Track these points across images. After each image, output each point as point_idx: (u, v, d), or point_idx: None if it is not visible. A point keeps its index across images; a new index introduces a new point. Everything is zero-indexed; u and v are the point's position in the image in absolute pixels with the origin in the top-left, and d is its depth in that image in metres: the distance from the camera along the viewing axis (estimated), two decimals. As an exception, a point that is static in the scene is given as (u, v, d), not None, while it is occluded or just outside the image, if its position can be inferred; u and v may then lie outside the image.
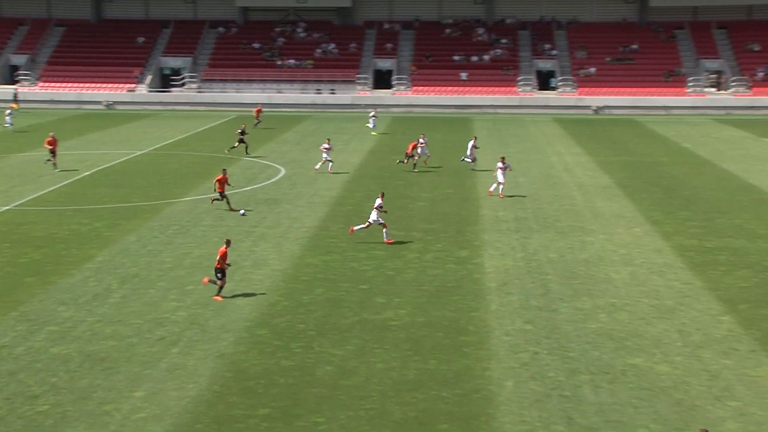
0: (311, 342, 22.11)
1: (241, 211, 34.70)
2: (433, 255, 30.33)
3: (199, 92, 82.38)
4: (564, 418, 18.01)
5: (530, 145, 57.48)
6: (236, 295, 25.67)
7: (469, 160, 47.26)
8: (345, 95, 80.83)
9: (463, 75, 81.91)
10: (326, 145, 46.60)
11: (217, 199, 36.58)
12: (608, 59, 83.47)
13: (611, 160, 51.33)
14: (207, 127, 67.51)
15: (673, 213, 36.92)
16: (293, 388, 19.39)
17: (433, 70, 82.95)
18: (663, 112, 77.48)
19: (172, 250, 30.62)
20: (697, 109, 77.55)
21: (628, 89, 79.39)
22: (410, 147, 47.36)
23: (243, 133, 53.56)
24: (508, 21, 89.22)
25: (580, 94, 79.98)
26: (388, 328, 23.18)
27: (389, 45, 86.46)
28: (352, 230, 32.21)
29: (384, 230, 31.74)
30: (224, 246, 25.56)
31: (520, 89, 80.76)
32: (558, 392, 19.24)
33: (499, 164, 39.63)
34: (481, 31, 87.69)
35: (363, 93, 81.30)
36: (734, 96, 78.76)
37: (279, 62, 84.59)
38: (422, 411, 18.37)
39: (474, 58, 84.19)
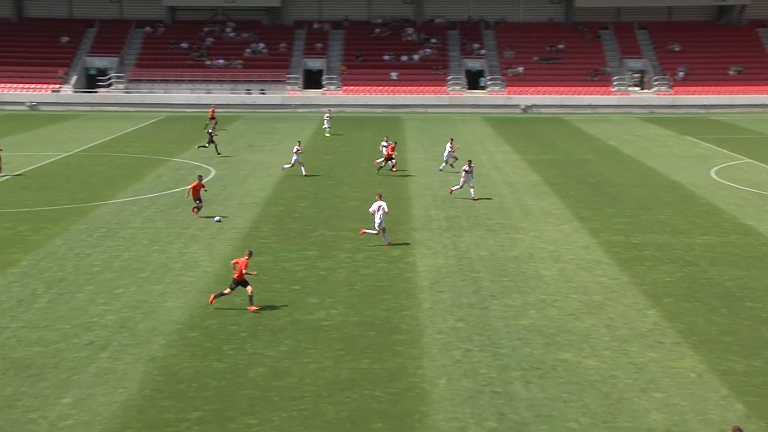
0: (243, 343, 21.96)
1: (216, 218, 34.18)
2: (365, 254, 30.35)
3: (126, 93, 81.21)
4: (496, 414, 18.19)
5: (460, 144, 57.83)
6: (167, 298, 25.35)
7: (448, 163, 46.98)
8: (275, 95, 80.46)
9: (394, 74, 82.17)
10: (297, 147, 46.03)
11: (196, 208, 35.23)
12: (536, 59, 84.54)
13: (540, 158, 51.98)
14: (135, 128, 66.55)
15: (600, 210, 37.54)
16: (226, 391, 19.23)
17: (364, 69, 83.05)
18: (589, 110, 78.77)
19: (101, 253, 30.10)
20: (622, 107, 79.05)
21: (556, 88, 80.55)
22: (388, 150, 46.63)
23: (212, 132, 53.91)
24: (437, 21, 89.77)
25: (508, 93, 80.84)
26: (320, 328, 23.13)
27: (319, 45, 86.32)
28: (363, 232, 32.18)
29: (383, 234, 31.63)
30: (246, 257, 24.58)
31: (449, 88, 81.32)
32: (490, 389, 19.42)
33: (465, 168, 39.29)
34: (410, 30, 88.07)
35: (293, 93, 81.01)
36: (657, 95, 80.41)
37: (208, 62, 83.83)
38: (355, 410, 18.38)
39: (404, 58, 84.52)
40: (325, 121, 62.76)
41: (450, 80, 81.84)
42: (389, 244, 31.31)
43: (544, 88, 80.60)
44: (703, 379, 19.91)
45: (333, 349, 21.63)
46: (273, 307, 24.67)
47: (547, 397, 19.01)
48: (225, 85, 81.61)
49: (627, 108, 79.03)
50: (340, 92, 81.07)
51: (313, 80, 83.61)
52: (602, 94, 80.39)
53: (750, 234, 33.12)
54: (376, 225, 31.36)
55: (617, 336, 22.65)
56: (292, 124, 69.27)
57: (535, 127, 68.03)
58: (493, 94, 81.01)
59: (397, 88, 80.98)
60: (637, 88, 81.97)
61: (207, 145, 53.08)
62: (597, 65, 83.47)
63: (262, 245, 31.34)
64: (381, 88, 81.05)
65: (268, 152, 53.51)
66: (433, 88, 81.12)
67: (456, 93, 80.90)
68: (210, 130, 54.05)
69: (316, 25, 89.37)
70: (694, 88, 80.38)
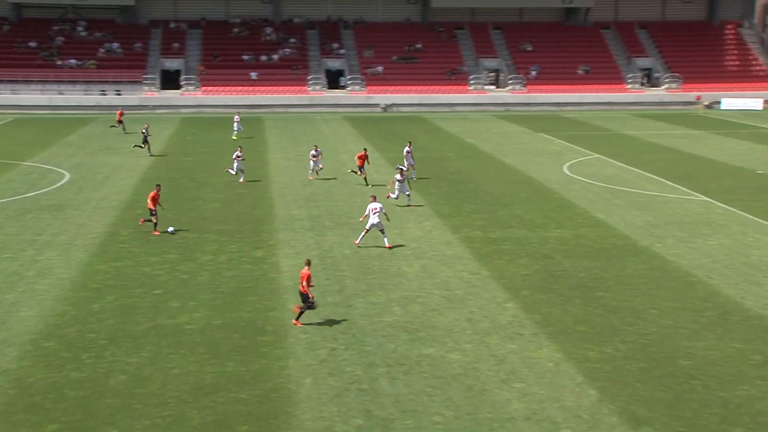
0: (103, 351, 21.35)
1: (170, 229, 32.87)
2: (228, 256, 30.01)
3: (-28, 94, 77.65)
4: (362, 412, 18.30)
5: (322, 143, 57.87)
6: (19, 308, 24.38)
7: (405, 168, 45.50)
8: (132, 96, 78.50)
9: (253, 74, 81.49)
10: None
11: (148, 220, 33.38)
12: (394, 58, 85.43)
13: (401, 156, 52.50)
14: (-17, 131, 63.69)
15: (460, 206, 38.26)
16: (85, 401, 18.65)
17: (223, 69, 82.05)
18: (447, 108, 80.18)
19: (-52, 263, 28.71)
20: (479, 105, 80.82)
21: (414, 87, 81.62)
22: (359, 158, 44.03)
23: (146, 132, 53.23)
24: (296, 21, 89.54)
25: (368, 93, 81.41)
26: (183, 332, 22.73)
27: (176, 44, 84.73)
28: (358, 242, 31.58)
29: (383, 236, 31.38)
30: (306, 267, 23.35)
31: (310, 88, 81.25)
32: (356, 386, 19.53)
33: (397, 176, 37.70)
34: (269, 30, 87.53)
35: (150, 94, 79.26)
36: (511, 93, 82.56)
37: (59, 62, 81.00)
38: (221, 414, 18.15)
39: (263, 58, 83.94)
40: (235, 124, 61.20)
41: (310, 80, 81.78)
42: (391, 247, 31.16)
43: (404, 87, 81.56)
44: (560, 368, 20.58)
45: (197, 354, 21.30)
46: (134, 313, 24.08)
47: (412, 392, 19.26)
48: (78, 86, 79.02)
49: (483, 106, 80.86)
50: (199, 92, 79.82)
51: (170, 80, 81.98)
52: (459, 92, 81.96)
53: (600, 226, 34.42)
54: (367, 226, 31.18)
55: (478, 329, 23.15)
56: (151, 125, 67.69)
57: (395, 125, 68.73)
58: (353, 94, 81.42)
59: (257, 88, 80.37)
60: (492, 87, 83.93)
61: (143, 145, 52.55)
62: (454, 64, 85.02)
63: (121, 250, 30.55)
64: (241, 88, 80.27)
65: (126, 155, 52.16)
66: (293, 87, 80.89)
67: (316, 92, 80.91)
68: (144, 130, 53.40)
69: (172, 25, 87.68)
70: (546, 87, 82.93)
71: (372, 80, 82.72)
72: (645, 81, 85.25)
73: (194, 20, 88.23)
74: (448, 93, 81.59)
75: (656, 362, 20.91)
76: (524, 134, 63.59)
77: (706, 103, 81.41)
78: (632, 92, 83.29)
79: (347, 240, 32.22)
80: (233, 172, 44.18)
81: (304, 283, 23.06)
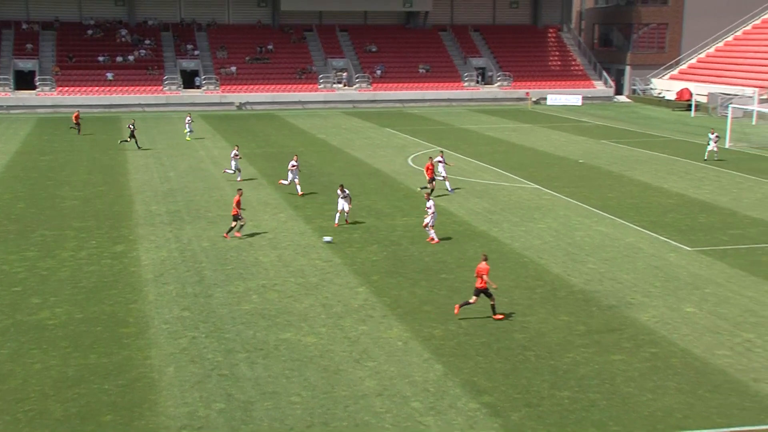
0: (-37, 350, 20.27)
1: (327, 239, 30.66)
2: (88, 252, 29.01)
3: None
4: (224, 396, 18.08)
5: (178, 141, 56.70)
6: None
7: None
8: (-15, 97, 74.57)
9: (109, 75, 78.86)
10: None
11: (239, 226, 30.98)
12: (247, 59, 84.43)
13: (255, 152, 52.06)
14: None
15: (313, 198, 38.24)
16: (-55, 400, 17.68)
17: (78, 70, 78.98)
18: (299, 106, 79.96)
19: None
20: (328, 103, 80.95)
21: (267, 86, 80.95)
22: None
23: (133, 128, 52.45)
24: (150, 22, 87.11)
25: (223, 92, 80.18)
26: (44, 327, 21.84)
27: (29, 45, 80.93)
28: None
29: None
30: (484, 262, 22.42)
31: (166, 88, 79.29)
32: (217, 372, 19.27)
33: (339, 192, 33.92)
34: (124, 32, 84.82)
35: (4, 94, 75.48)
36: (358, 91, 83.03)
37: None
38: (84, 405, 17.55)
39: (119, 59, 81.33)
40: (187, 125, 58.68)
41: (166, 80, 79.82)
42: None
43: (257, 86, 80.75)
44: (408, 346, 20.92)
45: (59, 348, 20.51)
46: (-7, 311, 22.96)
47: (271, 375, 19.16)
48: (-70, 87, 74.43)
49: (333, 103, 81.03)
50: (54, 93, 76.58)
51: (25, 81, 78.26)
52: (310, 90, 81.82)
53: (442, 213, 35.08)
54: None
55: (332, 313, 23.24)
56: (6, 126, 64.60)
57: (249, 123, 68.01)
58: (208, 93, 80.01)
59: (114, 88, 77.81)
60: (340, 85, 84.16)
61: (129, 139, 52.50)
62: (304, 64, 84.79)
63: (-21, 249, 29.05)
64: (97, 88, 77.51)
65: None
66: (149, 87, 78.74)
67: (172, 92, 79.04)
68: (131, 125, 52.92)
69: (24, 26, 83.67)
70: (390, 85, 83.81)
71: (226, 80, 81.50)
72: (480, 79, 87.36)
73: (48, 21, 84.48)
74: (299, 91, 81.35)
75: (495, 337, 21.54)
76: (371, 129, 64.12)
77: (534, 99, 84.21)
78: (468, 89, 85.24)
79: (206, 233, 31.72)
80: (231, 171, 42.54)
81: (485, 277, 22.21)
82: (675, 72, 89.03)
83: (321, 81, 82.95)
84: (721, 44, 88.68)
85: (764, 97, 69.58)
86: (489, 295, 22.56)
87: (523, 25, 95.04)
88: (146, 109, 76.41)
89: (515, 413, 17.37)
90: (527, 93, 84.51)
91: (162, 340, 21.15)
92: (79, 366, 19.49)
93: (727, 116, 57.54)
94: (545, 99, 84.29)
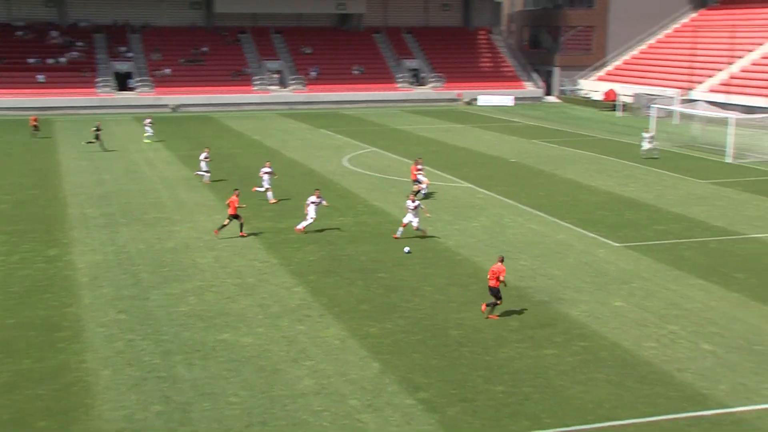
0: None
1: (406, 249, 29.43)
2: (21, 256, 28.32)
3: None
4: (161, 398, 17.83)
5: (113, 143, 55.70)
6: None
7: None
8: None
9: (40, 77, 77.08)
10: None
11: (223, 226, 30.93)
12: (181, 60, 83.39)
13: (191, 153, 51.40)
14: None
15: (247, 199, 37.89)
16: None
17: (8, 72, 77.01)
18: (234, 108, 79.24)
19: None
20: (264, 104, 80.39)
21: (202, 88, 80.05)
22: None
23: (98, 129, 51.34)
24: (82, 24, 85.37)
25: (157, 94, 79.04)
26: (-23, 333, 21.26)
27: (-41, 47, 78.77)
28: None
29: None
30: (499, 262, 22.53)
31: (99, 90, 77.86)
32: (154, 374, 18.99)
33: (313, 198, 32.90)
34: (55, 34, 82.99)
35: (-67, 97, 73.32)
36: (293, 93, 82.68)
37: None
38: (18, 411, 17.13)
39: (50, 61, 79.54)
40: (147, 128, 57.06)
41: (99, 82, 78.35)
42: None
43: (191, 88, 79.78)
44: (346, 344, 20.90)
45: (-8, 354, 19.99)
46: (-77, 318, 22.26)
47: (209, 376, 18.96)
48: None
49: (268, 105, 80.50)
50: (-16, 95, 74.59)
51: (-46, 83, 76.08)
52: (245, 92, 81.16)
53: (378, 214, 35.18)
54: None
55: (270, 313, 23.10)
56: (-66, 128, 62.79)
57: (184, 125, 67.18)
58: (142, 95, 78.78)
59: (45, 90, 76.09)
60: (276, 87, 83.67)
61: (94, 141, 52.10)
62: (239, 66, 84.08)
63: None
64: (28, 90, 75.72)
65: None
66: (82, 90, 77.18)
67: (106, 94, 77.64)
68: (96, 127, 52.25)
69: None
70: (325, 86, 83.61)
71: (160, 82, 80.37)
72: (413, 80, 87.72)
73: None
74: (234, 93, 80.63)
75: (431, 333, 21.66)
76: (306, 130, 63.89)
77: (466, 100, 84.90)
78: (402, 90, 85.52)
79: (141, 235, 31.24)
80: (202, 173, 41.89)
81: (501, 277, 22.34)
82: (601, 73, 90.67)
83: (256, 83, 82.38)
84: (644, 47, 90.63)
85: (685, 97, 71.32)
86: (495, 295, 22.58)
87: (455, 27, 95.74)
88: (79, 112, 74.89)
89: (451, 408, 17.49)
90: (459, 94, 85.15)
91: (98, 343, 20.76)
92: (11, 372, 19.02)
93: (650, 116, 58.76)
94: (477, 100, 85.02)
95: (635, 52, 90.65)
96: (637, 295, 24.72)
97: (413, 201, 30.91)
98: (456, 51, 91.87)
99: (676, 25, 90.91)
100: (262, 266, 27.61)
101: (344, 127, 65.64)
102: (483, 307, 22.88)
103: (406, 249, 29.22)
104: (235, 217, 30.92)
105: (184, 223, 33.19)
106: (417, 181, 37.95)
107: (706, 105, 58.44)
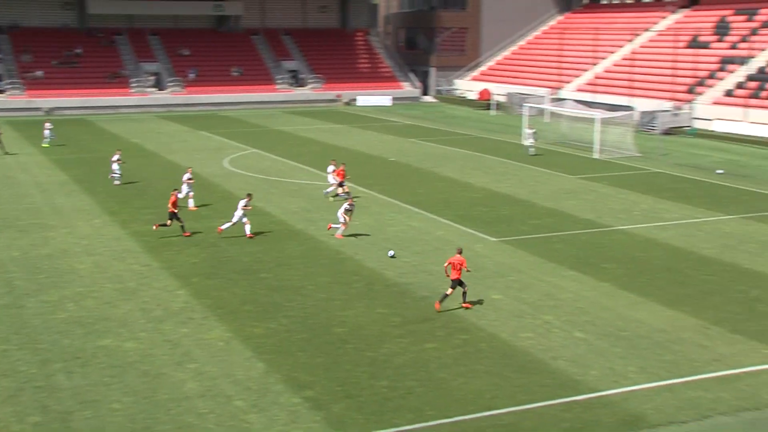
0: None
1: (390, 253, 28.19)
2: None
3: None
4: (39, 408, 17.16)
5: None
6: None
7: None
8: None
9: None
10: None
11: (162, 225, 30.70)
12: (54, 62, 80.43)
13: (67, 157, 49.72)
14: None
15: (128, 202, 37.02)
16: None
17: None
18: (111, 110, 76.99)
19: None
20: (142, 107, 78.42)
21: (77, 90, 77.39)
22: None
23: None
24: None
25: (29, 97, 75.98)
26: None
27: None
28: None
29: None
30: (459, 254, 23.06)
31: (-34, 93, 74.32)
32: (31, 384, 18.27)
33: (242, 202, 31.46)
34: None
35: None
36: (172, 95, 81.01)
37: None
38: None
39: None
40: (46, 132, 53.43)
41: (-34, 84, 74.80)
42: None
43: (66, 91, 77.01)
44: (230, 346, 20.64)
45: None
46: None
47: (90, 383, 18.38)
48: None
49: (146, 107, 78.56)
50: None
51: None
52: (122, 95, 79.01)
53: (260, 214, 34.88)
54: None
55: (152, 317, 22.58)
56: None
57: (60, 128, 64.68)
58: (12, 98, 75.56)
59: None
60: (154, 89, 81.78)
61: None
62: (115, 68, 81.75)
63: None
64: None
65: None
66: (-52, 92, 73.49)
67: (-26, 97, 74.17)
68: None
69: None
70: (204, 88, 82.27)
71: (32, 84, 77.28)
72: (292, 82, 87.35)
73: None
74: (111, 95, 78.35)
75: (315, 332, 21.63)
76: (186, 133, 62.72)
77: (345, 101, 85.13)
78: (282, 92, 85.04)
79: (16, 242, 30.00)
80: (116, 175, 40.61)
81: (465, 267, 22.92)
82: (476, 73, 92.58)
83: (133, 85, 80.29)
84: (515, 48, 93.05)
85: (554, 96, 73.61)
86: (462, 284, 23.04)
87: (333, 29, 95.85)
88: (-54, 115, 71.31)
89: (336, 405, 17.51)
90: (339, 94, 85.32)
91: (-29, 355, 19.81)
92: None
93: (523, 114, 60.41)
94: (356, 100, 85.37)
95: (507, 53, 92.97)
96: (513, 288, 25.36)
97: (351, 204, 30.95)
98: (334, 52, 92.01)
99: (544, 28, 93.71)
100: (144, 270, 26.95)
101: (224, 129, 64.76)
102: (437, 305, 23.13)
103: (390, 252, 28.72)
104: (174, 216, 30.59)
105: (61, 229, 32.06)
106: (342, 183, 37.78)
107: (573, 103, 60.49)
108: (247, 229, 30.98)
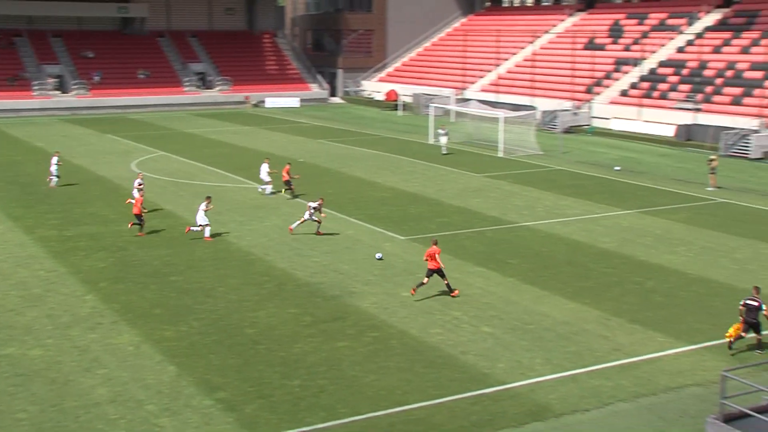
0: None
1: (378, 255, 27.59)
2: None
3: None
4: (-59, 421, 16.48)
5: None
6: None
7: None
8: None
9: None
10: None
11: (137, 224, 30.97)
12: (-49, 65, 77.30)
13: (-35, 162, 47.85)
14: None
15: (33, 208, 35.87)
16: None
17: None
18: (13, 114, 74.28)
19: None
20: (45, 110, 75.97)
21: (-25, 94, 74.55)
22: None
23: None
24: None
25: (-75, 100, 72.81)
26: None
27: None
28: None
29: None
30: (434, 246, 24.09)
31: None
32: (-68, 397, 17.51)
33: (202, 205, 30.87)
34: None
35: None
36: (76, 98, 78.78)
37: None
38: None
39: None
40: None
41: None
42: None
43: (-40, 95, 74.11)
44: (140, 350, 20.22)
45: None
46: None
47: (-6, 393, 17.74)
48: None
49: (50, 111, 76.13)
50: None
51: None
52: (24, 98, 76.35)
53: (169, 217, 34.29)
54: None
55: (59, 324, 21.95)
56: None
57: (-43, 132, 62.32)
58: None
59: None
60: (57, 92, 79.37)
61: None
62: (15, 71, 78.99)
63: None
64: None
65: None
66: None
67: None
68: None
69: None
70: (109, 91, 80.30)
71: (-72, 87, 74.11)
72: (200, 84, 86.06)
73: None
74: (12, 99, 75.62)
75: (226, 333, 21.39)
76: (92, 136, 61.10)
77: (254, 103, 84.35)
78: (189, 94, 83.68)
79: None
80: (53, 177, 39.64)
81: (438, 258, 23.81)
82: (382, 75, 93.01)
83: (35, 88, 77.77)
84: (420, 49, 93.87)
85: (459, 96, 74.57)
86: (442, 275, 23.96)
87: (240, 31, 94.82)
88: None
89: (249, 406, 17.36)
90: (247, 96, 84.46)
91: None
92: None
93: (429, 115, 60.98)
94: (264, 102, 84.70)
95: (413, 54, 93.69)
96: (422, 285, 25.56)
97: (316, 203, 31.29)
98: (242, 54, 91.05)
99: (448, 29, 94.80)
100: (50, 276, 26.16)
101: (131, 132, 63.34)
102: (412, 291, 24.15)
103: (378, 255, 28.44)
104: (138, 217, 30.74)
105: (-39, 236, 30.84)
106: (289, 182, 38.04)
107: (478, 104, 61.38)
108: (208, 231, 30.72)
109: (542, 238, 31.24)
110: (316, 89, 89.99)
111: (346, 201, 37.84)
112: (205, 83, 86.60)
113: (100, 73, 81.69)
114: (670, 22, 71.88)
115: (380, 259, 28.12)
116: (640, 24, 74.22)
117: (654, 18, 73.71)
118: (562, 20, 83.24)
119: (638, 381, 18.69)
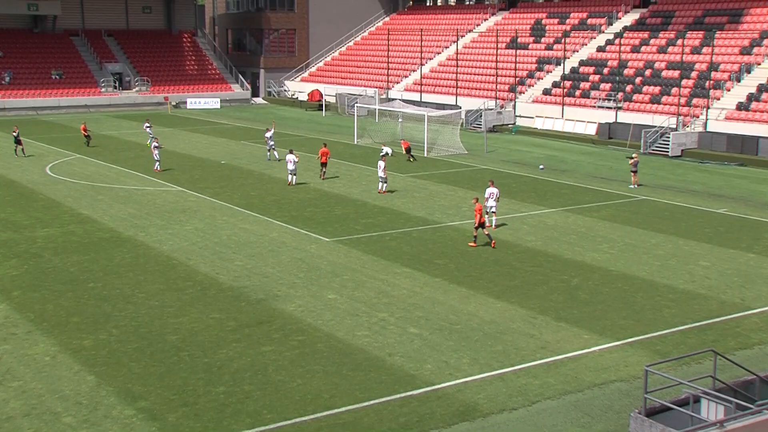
0: None
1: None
2: None
3: None
4: None
5: None
6: None
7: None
8: None
9: None
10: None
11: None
12: None
13: None
14: None
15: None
16: None
17: None
18: None
19: None
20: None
21: None
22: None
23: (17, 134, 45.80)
24: None
25: None
26: None
27: None
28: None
29: None
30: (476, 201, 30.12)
31: None
32: None
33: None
34: None
35: None
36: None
37: None
38: None
39: None
40: None
41: None
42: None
43: None
44: (57, 360, 19.72)
45: None
46: None
47: None
48: None
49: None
50: None
51: None
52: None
53: (86, 222, 33.55)
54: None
55: (-31, 335, 21.22)
56: None
57: None
58: None
59: None
60: (-36, 93, 76.90)
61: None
62: None
63: None
64: None
65: None
66: None
67: None
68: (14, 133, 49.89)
69: None
70: (21, 92, 78.20)
71: None
72: (117, 85, 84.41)
73: None
74: None
75: (148, 341, 21.01)
76: (2, 138, 59.28)
77: (173, 104, 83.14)
78: (106, 95, 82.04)
79: None
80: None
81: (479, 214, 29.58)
82: (305, 74, 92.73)
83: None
84: (343, 48, 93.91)
85: (383, 96, 74.83)
86: (483, 226, 29.91)
87: (158, 30, 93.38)
88: None
89: (172, 414, 17.08)
90: (166, 97, 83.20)
91: None
92: None
93: (354, 115, 61.01)
94: (185, 103, 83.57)
95: (336, 53, 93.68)
96: (348, 287, 25.59)
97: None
98: (160, 54, 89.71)
99: (372, 29, 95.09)
100: (-42, 286, 25.31)
101: (45, 134, 61.76)
102: (472, 243, 29.52)
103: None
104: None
105: None
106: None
107: (402, 103, 61.71)
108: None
109: (468, 237, 31.55)
110: (238, 90, 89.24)
111: (270, 203, 37.60)
112: (122, 84, 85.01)
113: (11, 72, 79.44)
114: (591, 21, 73.51)
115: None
116: (561, 23, 75.69)
117: (575, 17, 75.25)
118: (485, 19, 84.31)
119: (564, 378, 19.04)
